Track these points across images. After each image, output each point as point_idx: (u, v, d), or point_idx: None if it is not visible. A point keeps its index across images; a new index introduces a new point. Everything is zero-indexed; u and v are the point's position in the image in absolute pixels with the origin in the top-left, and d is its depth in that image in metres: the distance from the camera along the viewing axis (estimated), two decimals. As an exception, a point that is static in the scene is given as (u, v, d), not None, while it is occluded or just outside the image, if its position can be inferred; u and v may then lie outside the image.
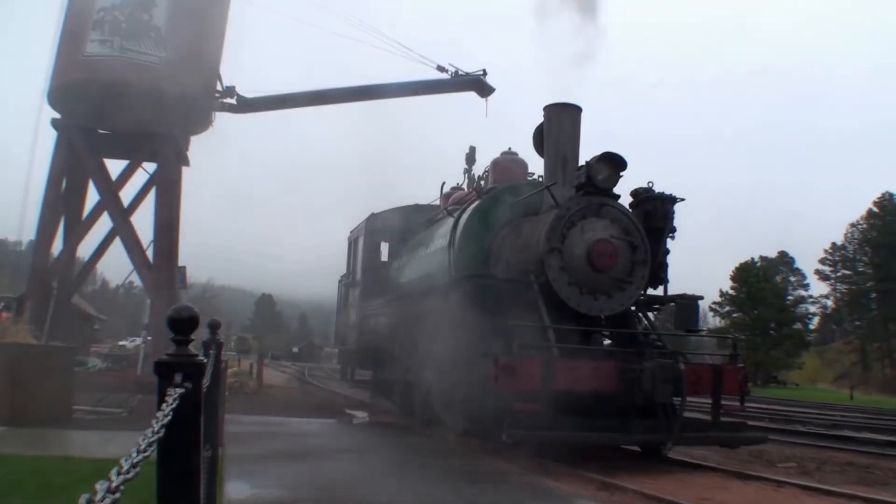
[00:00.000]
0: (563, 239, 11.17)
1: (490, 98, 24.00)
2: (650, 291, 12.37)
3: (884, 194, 77.12)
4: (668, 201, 12.28)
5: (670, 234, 12.32)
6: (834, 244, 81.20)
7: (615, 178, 11.69)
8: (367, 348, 18.51)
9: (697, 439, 11.23)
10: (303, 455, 10.17)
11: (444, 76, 23.59)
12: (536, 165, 14.68)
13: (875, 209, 77.26)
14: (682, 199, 12.47)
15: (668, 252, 12.41)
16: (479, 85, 23.82)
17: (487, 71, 23.82)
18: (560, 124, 12.29)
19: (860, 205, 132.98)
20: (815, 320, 79.04)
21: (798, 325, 71.79)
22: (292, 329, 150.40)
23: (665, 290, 12.60)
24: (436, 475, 9.16)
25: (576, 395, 9.86)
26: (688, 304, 12.68)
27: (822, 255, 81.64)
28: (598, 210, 11.42)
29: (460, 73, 23.61)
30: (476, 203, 13.69)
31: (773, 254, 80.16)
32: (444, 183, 17.88)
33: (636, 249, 11.47)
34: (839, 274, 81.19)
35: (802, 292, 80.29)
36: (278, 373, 47.11)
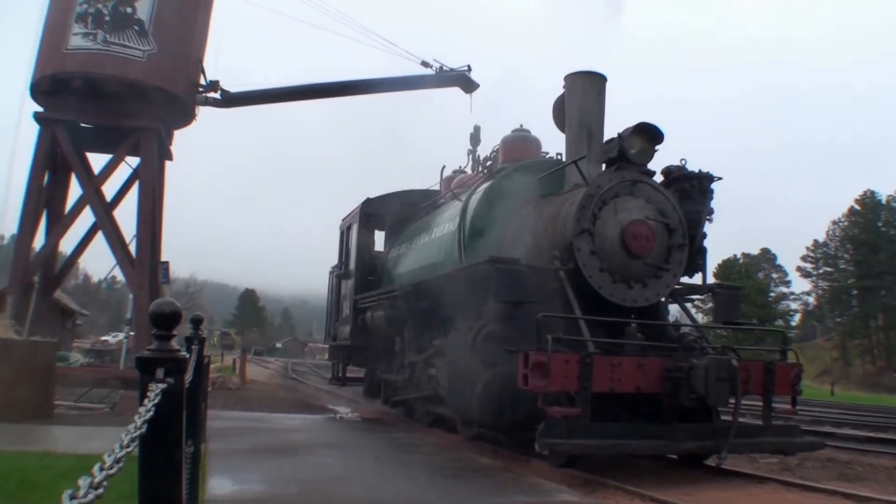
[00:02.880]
0: (594, 220, 9.92)
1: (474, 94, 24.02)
2: (685, 280, 11.14)
3: (865, 192, 78.09)
4: (705, 180, 11.11)
5: (708, 217, 11.14)
6: (816, 241, 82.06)
7: (650, 153, 10.57)
8: (361, 343, 17.15)
9: (750, 446, 9.55)
10: (286, 450, 10.14)
11: (429, 72, 23.60)
12: (549, 144, 14.12)
13: (856, 207, 78.01)
14: (720, 178, 11.26)
15: (705, 236, 11.18)
16: (463, 81, 23.82)
17: (472, 67, 23.85)
18: (583, 94, 11.15)
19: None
20: (797, 317, 79.62)
21: (780, 322, 72.32)
22: (276, 324, 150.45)
23: (704, 278, 11.42)
24: (419, 471, 9.15)
25: (609, 397, 8.83)
26: (728, 293, 11.52)
27: (805, 252, 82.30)
28: (631, 188, 10.25)
29: (445, 69, 23.61)
30: (488, 183, 12.75)
31: (755, 251, 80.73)
32: (444, 166, 17.13)
33: (673, 232, 10.31)
34: (821, 271, 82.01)
35: (784, 289, 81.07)
36: (262, 368, 47.03)
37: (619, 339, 9.70)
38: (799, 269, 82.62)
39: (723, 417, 10.11)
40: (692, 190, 10.96)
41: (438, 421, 13.04)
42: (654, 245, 10.07)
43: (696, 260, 10.98)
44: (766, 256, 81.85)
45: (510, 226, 11.75)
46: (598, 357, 8.67)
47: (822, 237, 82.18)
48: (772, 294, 76.80)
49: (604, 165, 10.81)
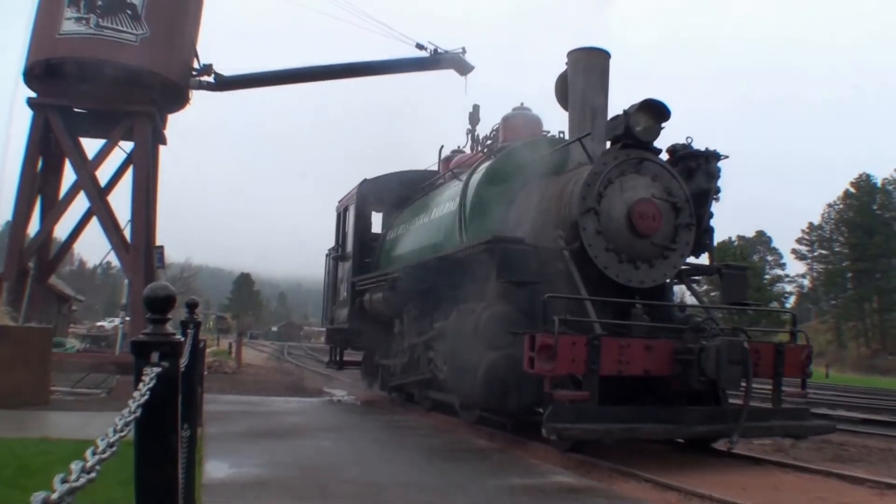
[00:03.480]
0: (599, 198, 9.70)
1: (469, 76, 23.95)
2: (692, 260, 10.97)
3: (861, 175, 78.29)
4: (712, 158, 10.83)
5: (715, 196, 10.88)
6: (811, 224, 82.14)
7: (657, 130, 10.24)
8: (359, 326, 16.73)
9: (761, 430, 9.36)
10: (282, 434, 10.17)
11: (424, 54, 23.52)
12: (550, 122, 13.86)
13: (852, 190, 78.15)
14: (727, 157, 11.01)
15: (712, 215, 10.96)
16: (458, 63, 23.75)
17: (466, 49, 23.78)
18: (587, 71, 10.96)
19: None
20: (792, 299, 79.74)
21: (775, 304, 72.46)
22: (271, 308, 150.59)
23: (711, 258, 11.24)
24: (416, 453, 9.19)
25: (615, 380, 8.63)
26: (736, 273, 11.40)
27: (800, 234, 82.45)
28: (637, 166, 10.04)
29: (439, 51, 23.53)
30: (490, 161, 12.50)
31: (750, 233, 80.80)
32: (442, 146, 16.75)
33: (680, 211, 10.11)
34: (816, 253, 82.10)
35: (779, 271, 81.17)
36: (257, 352, 47.08)
37: (624, 320, 9.44)
38: (794, 251, 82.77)
39: (730, 400, 9.77)
40: (698, 168, 10.75)
41: (438, 406, 12.90)
42: (661, 224, 9.87)
43: (702, 240, 10.78)
44: (762, 239, 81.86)
45: (512, 205, 11.56)
46: (605, 339, 8.48)
47: (817, 220, 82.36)
48: (767, 276, 76.90)
49: (608, 143, 10.58)
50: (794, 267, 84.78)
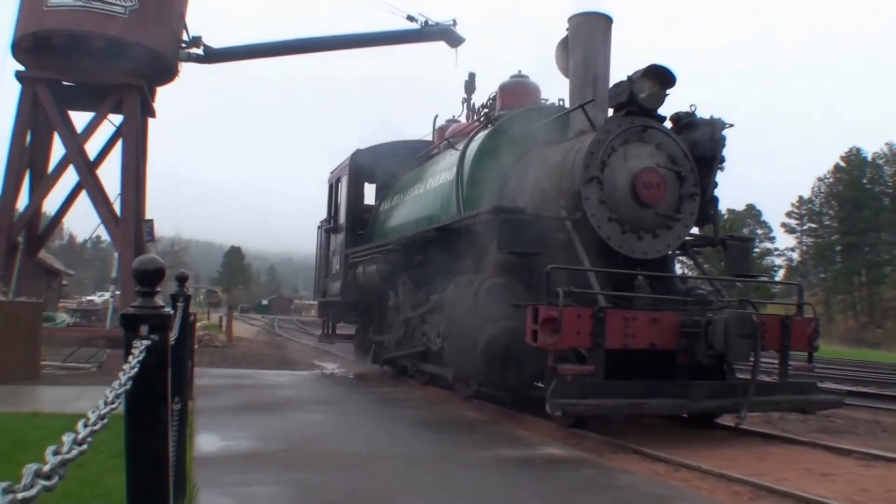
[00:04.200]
0: (602, 167, 9.36)
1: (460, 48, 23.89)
2: (695, 231, 10.75)
3: (851, 149, 78.56)
4: (717, 126, 10.47)
5: (720, 165, 10.53)
6: (801, 197, 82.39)
7: (661, 97, 9.88)
8: (352, 299, 16.65)
9: (768, 404, 9.23)
10: (273, 407, 10.21)
11: (414, 26, 23.43)
12: (548, 91, 13.55)
13: (842, 163, 78.44)
14: (732, 125, 10.62)
15: (716, 185, 10.57)
16: (448, 35, 23.67)
17: (457, 21, 23.71)
18: (588, 37, 10.61)
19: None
20: (781, 272, 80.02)
21: (764, 278, 72.69)
22: (262, 281, 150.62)
23: (715, 229, 10.99)
24: (406, 425, 9.25)
25: (616, 354, 8.38)
26: (740, 244, 11.12)
27: (790, 208, 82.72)
28: (641, 134, 9.69)
29: (430, 23, 23.43)
30: (488, 130, 12.14)
31: (740, 206, 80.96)
32: (436, 116, 16.55)
33: (684, 181, 9.80)
34: (805, 227, 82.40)
35: (769, 245, 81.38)
36: (248, 325, 47.07)
37: (627, 292, 9.23)
38: (784, 225, 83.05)
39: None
40: (703, 137, 10.41)
41: (433, 380, 12.80)
42: (665, 194, 9.60)
43: (706, 210, 10.47)
44: (751, 212, 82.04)
45: (512, 174, 11.31)
46: (611, 311, 8.23)
47: (807, 193, 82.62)
48: (756, 250, 77.12)
49: (610, 111, 10.33)
50: (784, 240, 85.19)
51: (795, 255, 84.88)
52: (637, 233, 9.54)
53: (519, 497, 5.84)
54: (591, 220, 9.31)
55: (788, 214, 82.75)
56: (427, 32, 23.53)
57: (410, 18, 23.34)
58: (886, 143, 78.23)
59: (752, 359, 8.69)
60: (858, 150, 78.37)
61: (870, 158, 77.76)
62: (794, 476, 6.73)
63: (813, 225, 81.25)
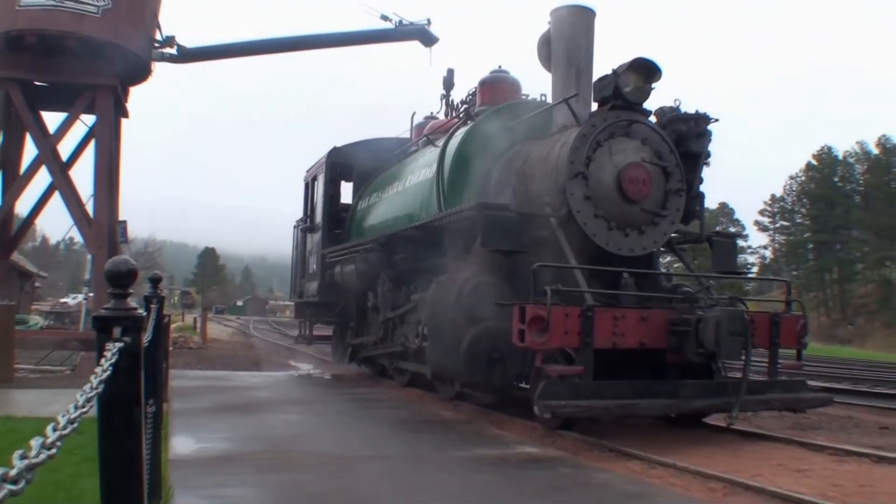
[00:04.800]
0: (587, 162, 9.10)
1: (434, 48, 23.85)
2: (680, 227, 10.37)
3: (822, 147, 79.57)
4: (702, 121, 10.21)
5: (705, 161, 10.30)
6: (773, 196, 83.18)
7: (647, 91, 9.65)
8: (330, 300, 16.32)
9: (759, 403, 8.88)
10: (248, 408, 10.17)
11: (388, 25, 23.38)
12: (528, 86, 13.34)
13: (813, 162, 79.29)
14: (717, 120, 10.39)
15: (702, 181, 10.36)
16: (422, 34, 23.63)
17: (431, 20, 23.67)
18: (571, 30, 10.41)
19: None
20: (754, 270, 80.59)
21: (752, 274, 73.26)
22: (236, 282, 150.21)
23: (702, 225, 10.72)
24: (381, 425, 9.23)
25: (601, 354, 8.03)
26: (726, 241, 10.97)
27: (762, 206, 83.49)
28: (627, 129, 9.47)
29: (404, 22, 23.39)
30: (468, 126, 11.86)
31: (713, 205, 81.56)
32: (414, 113, 16.25)
33: (670, 176, 9.58)
34: (778, 225, 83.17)
35: (742, 243, 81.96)
36: (223, 327, 46.87)
37: (613, 291, 9.06)
38: (756, 223, 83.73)
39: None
40: (688, 132, 10.13)
41: (414, 381, 12.62)
42: (651, 190, 9.37)
43: (692, 206, 10.26)
44: (724, 210, 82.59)
45: (493, 171, 11.12)
46: (599, 310, 8.00)
47: (779, 192, 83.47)
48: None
49: (594, 106, 10.11)
50: (757, 238, 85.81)
51: (768, 253, 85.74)
52: (623, 229, 9.32)
53: (496, 496, 5.84)
54: (577, 217, 9.07)
55: (761, 212, 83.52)
56: (401, 32, 23.47)
57: (384, 18, 23.28)
58: (857, 142, 79.22)
59: (742, 357, 8.61)
60: (830, 148, 79.36)
61: (841, 157, 78.69)
62: (768, 472, 6.77)
63: (785, 223, 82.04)
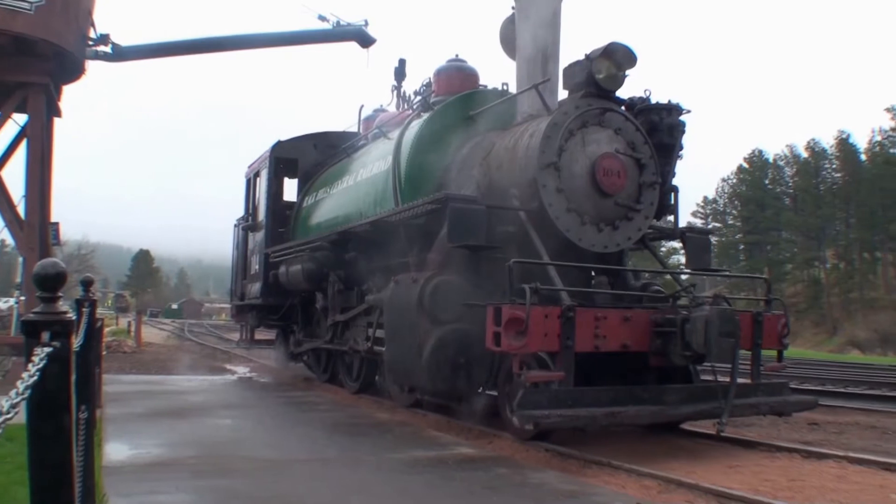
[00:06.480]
0: (560, 152, 8.50)
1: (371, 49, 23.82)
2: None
3: (753, 151, 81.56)
4: (675, 111, 9.69)
5: (679, 153, 9.82)
6: (705, 197, 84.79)
7: (621, 78, 9.09)
8: (274, 302, 15.60)
9: (748, 407, 8.24)
10: (184, 413, 10.05)
11: (326, 26, 23.29)
12: (487, 76, 12.84)
13: (745, 165, 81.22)
14: (689, 111, 9.85)
15: (674, 174, 9.82)
16: (360, 35, 23.59)
17: (369, 21, 23.65)
18: (537, 13, 9.80)
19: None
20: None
21: (669, 276, 74.20)
22: (171, 285, 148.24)
23: (676, 220, 10.17)
24: (318, 428, 9.19)
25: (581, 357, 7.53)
26: (699, 237, 10.53)
27: (695, 207, 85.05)
28: (600, 117, 8.90)
29: (342, 23, 23.32)
30: (425, 116, 11.09)
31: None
32: (362, 106, 15.60)
33: (644, 168, 9.06)
34: (710, 226, 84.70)
35: (675, 244, 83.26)
36: (157, 331, 46.18)
37: (587, 289, 8.67)
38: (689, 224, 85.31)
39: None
40: (661, 122, 9.61)
41: (366, 387, 12.23)
42: (626, 182, 8.86)
43: (665, 200, 9.73)
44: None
45: (454, 162, 10.51)
46: (581, 310, 7.43)
47: (711, 194, 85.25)
48: (663, 249, 78.78)
49: (561, 94, 9.61)
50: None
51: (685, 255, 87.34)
52: (596, 224, 8.78)
53: (432, 497, 5.87)
54: (549, 210, 8.47)
55: (694, 214, 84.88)
56: (339, 33, 23.40)
57: (322, 18, 23.18)
58: (787, 145, 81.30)
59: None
60: (760, 151, 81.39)
61: (771, 160, 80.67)
62: (701, 469, 6.90)
63: (717, 224, 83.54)
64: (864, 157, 74.32)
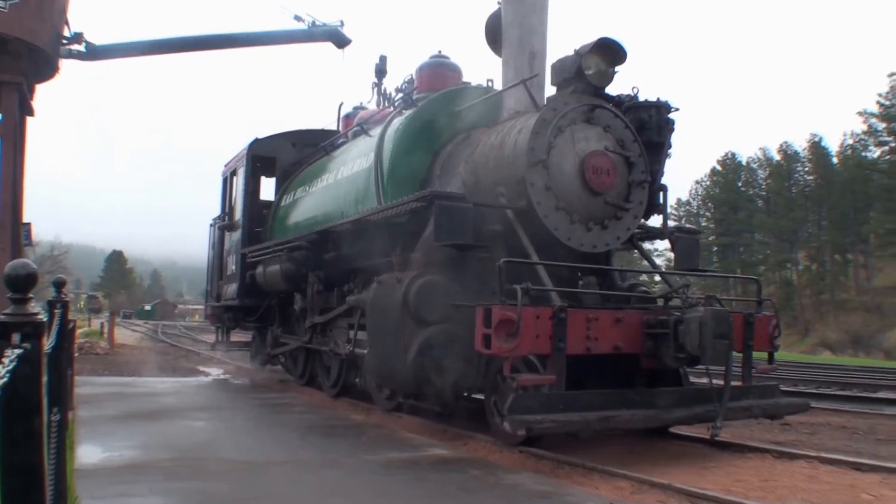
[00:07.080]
0: (549, 149, 8.30)
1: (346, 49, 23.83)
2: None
3: (726, 153, 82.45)
4: (663, 109, 9.50)
5: (668, 152, 9.65)
6: (679, 199, 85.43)
7: (610, 75, 8.97)
8: (251, 304, 15.33)
9: (742, 410, 8.06)
10: (157, 415, 9.98)
11: (301, 26, 23.28)
12: (470, 73, 12.49)
13: (718, 167, 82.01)
14: (678, 109, 9.66)
15: (663, 173, 9.62)
16: (335, 36, 23.59)
17: (345, 22, 23.68)
18: (524, 9, 9.61)
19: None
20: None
21: (644, 277, 74.67)
22: (145, 286, 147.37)
23: (664, 220, 9.94)
24: (293, 430, 9.15)
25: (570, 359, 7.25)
26: (688, 237, 10.37)
27: (669, 210, 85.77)
28: (589, 114, 8.72)
29: (317, 23, 23.30)
30: (408, 112, 10.86)
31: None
32: (342, 103, 15.38)
33: (633, 167, 8.89)
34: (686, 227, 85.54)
35: (649, 245, 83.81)
36: (131, 332, 45.89)
37: (576, 290, 8.54)
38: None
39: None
40: (650, 120, 9.40)
41: (346, 391, 12.07)
42: (615, 181, 8.68)
43: (654, 200, 9.54)
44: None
45: (438, 160, 10.35)
46: (572, 311, 7.23)
47: (685, 196, 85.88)
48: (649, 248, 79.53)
49: (548, 90, 9.44)
50: (663, 241, 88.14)
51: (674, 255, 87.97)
52: (585, 224, 8.56)
53: (406, 498, 5.86)
54: (538, 209, 8.25)
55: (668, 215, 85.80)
56: (314, 33, 23.40)
57: (298, 19, 23.17)
58: (760, 148, 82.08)
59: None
60: (734, 154, 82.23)
61: (744, 162, 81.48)
62: (675, 469, 6.93)
63: (690, 226, 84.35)
64: (836, 160, 75.28)
